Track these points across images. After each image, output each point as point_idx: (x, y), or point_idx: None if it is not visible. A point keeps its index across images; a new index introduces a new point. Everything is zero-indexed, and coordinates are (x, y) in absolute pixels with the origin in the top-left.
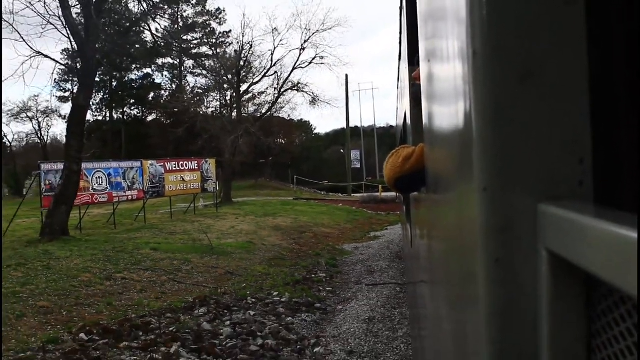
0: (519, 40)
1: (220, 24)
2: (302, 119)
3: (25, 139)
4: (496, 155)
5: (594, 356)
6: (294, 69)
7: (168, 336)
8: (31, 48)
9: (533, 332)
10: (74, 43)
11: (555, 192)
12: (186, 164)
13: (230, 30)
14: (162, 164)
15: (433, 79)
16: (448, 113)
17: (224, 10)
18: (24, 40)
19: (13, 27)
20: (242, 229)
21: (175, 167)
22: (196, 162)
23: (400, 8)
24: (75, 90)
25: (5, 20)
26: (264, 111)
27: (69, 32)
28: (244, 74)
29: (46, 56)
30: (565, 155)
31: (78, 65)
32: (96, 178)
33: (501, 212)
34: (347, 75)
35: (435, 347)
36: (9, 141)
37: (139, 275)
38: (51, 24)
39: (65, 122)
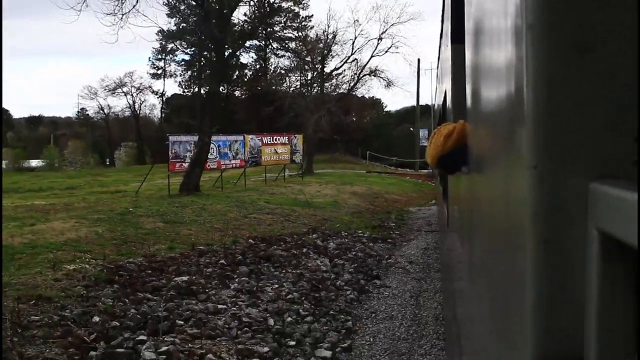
0: (576, 14)
1: (303, 8)
2: (373, 97)
3: (112, 113)
4: (548, 132)
5: None
6: (372, 57)
7: (298, 245)
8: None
9: (580, 315)
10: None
11: (608, 171)
12: (278, 139)
13: (312, 15)
14: (259, 138)
15: (480, 54)
16: (496, 88)
17: None
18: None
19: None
20: (327, 193)
21: (270, 141)
22: (287, 137)
23: None
24: (165, 67)
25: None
26: (342, 91)
27: (206, 38)
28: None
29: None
30: (620, 133)
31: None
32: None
33: (551, 191)
34: (419, 60)
35: (477, 330)
36: (104, 114)
37: (264, 217)
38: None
39: (159, 99)
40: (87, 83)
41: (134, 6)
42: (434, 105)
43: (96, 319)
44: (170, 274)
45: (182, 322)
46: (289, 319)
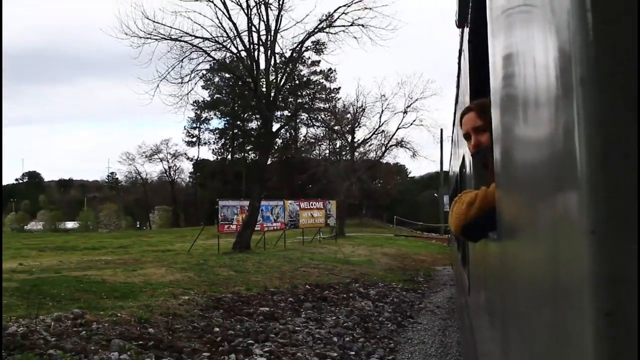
0: (632, 65)
1: (330, 81)
2: (398, 163)
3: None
4: (606, 194)
5: None
6: (398, 129)
7: (345, 291)
8: (227, 122)
9: None
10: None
11: None
12: (314, 204)
13: (340, 87)
14: (297, 203)
15: (512, 115)
16: (539, 148)
17: (335, 70)
18: (226, 116)
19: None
20: (360, 253)
21: (307, 206)
22: (322, 202)
23: (460, 51)
24: (199, 135)
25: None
26: (370, 159)
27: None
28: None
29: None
30: None
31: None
32: None
33: (612, 259)
34: (441, 130)
35: None
36: (142, 179)
37: (312, 270)
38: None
39: (191, 162)
40: (113, 147)
41: (192, 88)
42: (450, 170)
43: (216, 329)
44: (255, 306)
45: (273, 335)
46: (347, 338)
